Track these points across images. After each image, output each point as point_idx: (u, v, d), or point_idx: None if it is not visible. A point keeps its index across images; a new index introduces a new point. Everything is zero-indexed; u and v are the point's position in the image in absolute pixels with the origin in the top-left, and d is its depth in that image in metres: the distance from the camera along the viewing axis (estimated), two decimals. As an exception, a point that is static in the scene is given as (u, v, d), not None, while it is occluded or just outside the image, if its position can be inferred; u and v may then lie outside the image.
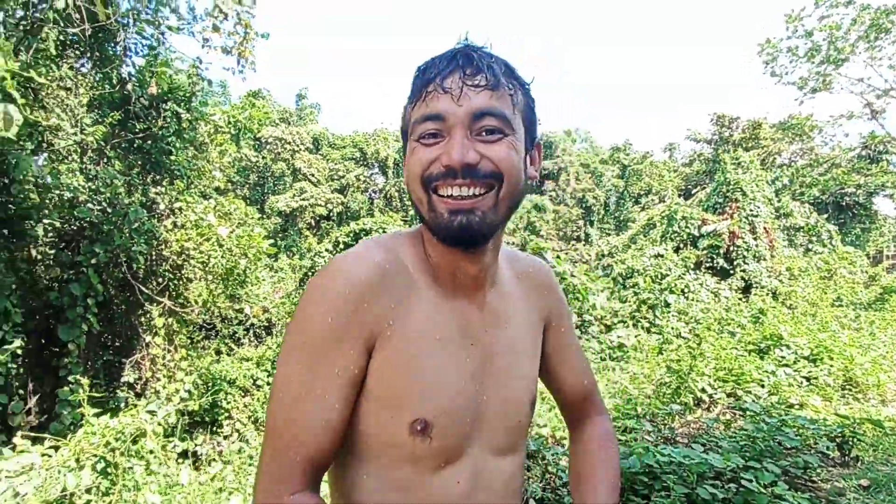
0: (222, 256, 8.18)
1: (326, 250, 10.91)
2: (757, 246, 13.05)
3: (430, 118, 0.71)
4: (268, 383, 9.73)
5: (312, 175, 24.47)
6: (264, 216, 20.50)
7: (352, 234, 10.74)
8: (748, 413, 3.73)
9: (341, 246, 10.76)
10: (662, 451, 2.78)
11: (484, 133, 0.71)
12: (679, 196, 23.20)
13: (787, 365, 5.71)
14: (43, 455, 2.51)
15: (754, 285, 12.59)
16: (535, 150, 0.82)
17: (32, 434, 2.83)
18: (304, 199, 22.84)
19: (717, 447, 3.19)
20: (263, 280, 12.83)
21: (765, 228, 13.34)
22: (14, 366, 6.03)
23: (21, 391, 6.55)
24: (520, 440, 0.85)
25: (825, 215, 17.04)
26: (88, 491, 2.34)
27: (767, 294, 12.00)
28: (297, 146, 24.65)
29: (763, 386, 4.93)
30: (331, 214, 23.80)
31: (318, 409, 0.68)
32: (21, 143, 6.23)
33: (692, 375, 4.88)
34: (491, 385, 0.80)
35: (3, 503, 2.13)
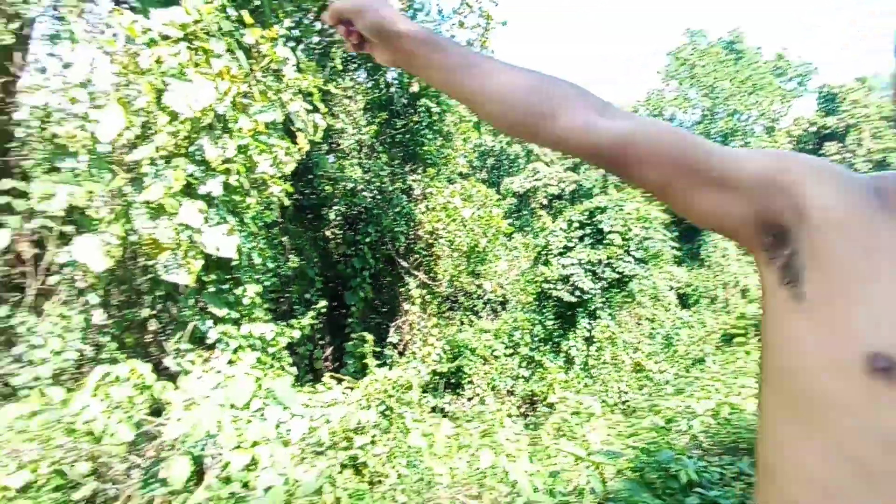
0: (466, 235, 8.96)
1: (561, 229, 10.94)
2: None
3: None
4: (504, 354, 10.35)
5: (545, 155, 24.74)
6: (501, 197, 21.63)
7: (586, 213, 10.54)
8: None
9: (575, 225, 10.66)
10: None
11: None
12: None
13: None
14: (343, 392, 3.21)
15: None
16: None
17: (337, 376, 3.63)
18: (537, 180, 23.29)
19: None
20: (500, 258, 13.64)
21: None
22: (317, 322, 7.74)
23: (321, 342, 8.36)
24: None
25: None
26: (374, 426, 2.90)
27: None
28: (531, 128, 25.16)
29: None
30: (563, 193, 23.77)
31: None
32: (319, 145, 7.85)
33: None
34: None
35: (318, 425, 2.80)
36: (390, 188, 8.49)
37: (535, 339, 10.57)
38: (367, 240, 8.25)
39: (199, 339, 3.48)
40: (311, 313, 4.40)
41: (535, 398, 9.73)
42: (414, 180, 8.89)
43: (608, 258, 9.91)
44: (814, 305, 0.57)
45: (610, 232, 9.98)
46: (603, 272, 9.98)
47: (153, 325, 3.85)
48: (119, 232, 3.12)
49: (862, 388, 0.52)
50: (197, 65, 3.16)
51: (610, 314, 10.60)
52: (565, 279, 10.15)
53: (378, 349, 7.91)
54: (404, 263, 8.83)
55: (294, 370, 3.74)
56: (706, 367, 10.20)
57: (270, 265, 3.87)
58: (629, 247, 10.04)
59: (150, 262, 3.33)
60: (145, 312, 3.79)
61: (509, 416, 9.27)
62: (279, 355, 3.70)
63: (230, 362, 2.97)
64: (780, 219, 0.61)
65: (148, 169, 3.09)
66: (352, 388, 3.31)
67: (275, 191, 3.54)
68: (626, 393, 10.22)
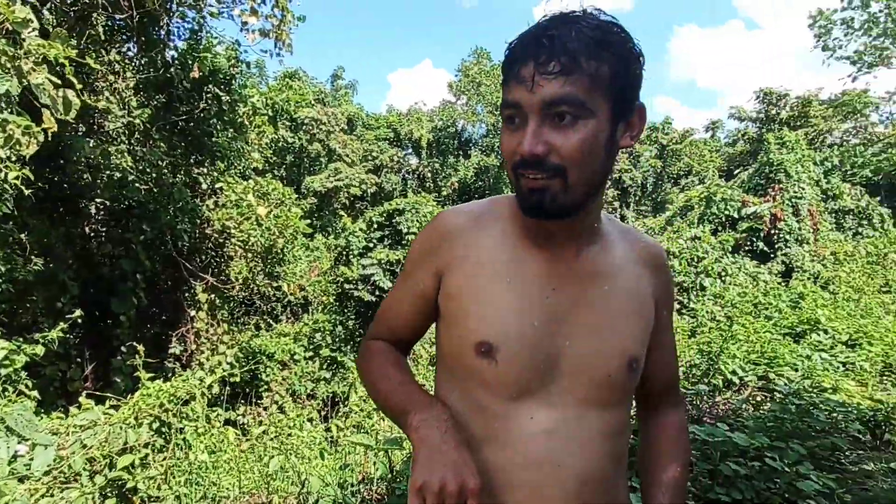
0: (261, 235, 8.47)
1: (360, 230, 11.10)
2: (800, 229, 12.60)
3: (509, 105, 0.78)
4: (305, 358, 10.10)
5: (347, 156, 24.72)
6: (300, 196, 20.91)
7: (385, 214, 10.89)
8: (777, 395, 3.71)
9: (374, 226, 10.93)
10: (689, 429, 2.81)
11: (557, 119, 0.74)
12: (721, 177, 22.44)
13: (823, 350, 5.58)
14: (105, 413, 2.77)
15: (796, 269, 12.19)
16: (637, 115, 0.81)
17: (97, 393, 3.10)
18: (338, 180, 23.15)
19: (743, 427, 3.20)
20: (300, 259, 13.20)
21: (809, 211, 12.85)
22: (72, 336, 6.46)
23: (78, 359, 7.01)
24: (613, 397, 0.86)
25: (878, 198, 16.17)
26: (146, 446, 2.58)
27: (809, 278, 11.62)
28: (332, 127, 24.84)
29: (797, 370, 4.84)
30: (365, 195, 24.07)
31: (396, 305, 1.02)
32: (74, 125, 6.57)
33: (723, 357, 4.84)
34: (577, 334, 0.85)
35: (70, 454, 2.38)
36: (170, 181, 7.55)
37: (337, 339, 10.54)
38: (141, 238, 7.19)
39: None
40: (62, 325, 3.68)
41: (336, 399, 9.70)
42: (200, 174, 8.05)
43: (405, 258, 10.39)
44: (446, 321, 0.92)
45: (408, 233, 10.49)
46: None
47: None
48: None
49: (474, 361, 0.85)
50: None
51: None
52: (365, 279, 10.35)
53: (155, 361, 6.97)
54: (188, 265, 7.94)
55: (35, 394, 3.09)
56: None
57: (1, 268, 3.14)
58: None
59: None
60: None
61: (309, 420, 9.05)
62: (15, 377, 3.02)
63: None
64: (434, 278, 0.94)
65: None
66: (117, 407, 2.88)
67: (7, 177, 2.89)
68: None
